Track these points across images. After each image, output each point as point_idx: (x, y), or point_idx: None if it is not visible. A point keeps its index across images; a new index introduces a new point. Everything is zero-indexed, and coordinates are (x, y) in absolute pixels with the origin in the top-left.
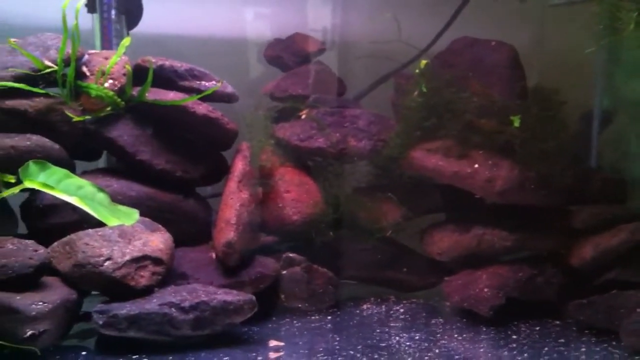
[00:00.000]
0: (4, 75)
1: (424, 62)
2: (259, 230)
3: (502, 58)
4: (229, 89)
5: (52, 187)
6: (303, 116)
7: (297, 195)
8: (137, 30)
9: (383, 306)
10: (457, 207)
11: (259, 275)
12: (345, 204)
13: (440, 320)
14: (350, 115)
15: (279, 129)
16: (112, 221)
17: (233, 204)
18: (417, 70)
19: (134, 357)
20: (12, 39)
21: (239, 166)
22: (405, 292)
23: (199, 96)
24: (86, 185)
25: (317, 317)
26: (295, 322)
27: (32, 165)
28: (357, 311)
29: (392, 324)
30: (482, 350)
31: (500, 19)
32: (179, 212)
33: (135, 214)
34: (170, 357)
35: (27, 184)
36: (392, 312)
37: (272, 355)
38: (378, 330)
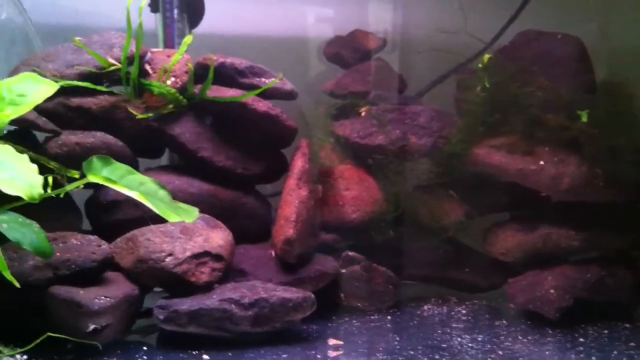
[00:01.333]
0: (69, 74)
1: (487, 56)
2: (319, 228)
3: (569, 51)
4: (288, 86)
5: (114, 182)
6: (363, 113)
7: (356, 193)
8: (199, 30)
9: (444, 307)
10: (522, 205)
11: (318, 274)
12: (406, 202)
13: (504, 322)
14: (411, 112)
15: (338, 127)
16: (172, 217)
17: (292, 201)
18: (479, 65)
19: (194, 352)
20: (77, 38)
21: (298, 163)
22: (468, 293)
23: (257, 92)
24: (148, 182)
25: (376, 316)
26: (354, 321)
27: (95, 161)
28: (418, 311)
29: (453, 325)
30: (547, 353)
31: (566, 11)
32: (239, 209)
33: (195, 211)
34: (230, 354)
35: (90, 178)
36: (453, 313)
37: (332, 353)
38: (439, 331)
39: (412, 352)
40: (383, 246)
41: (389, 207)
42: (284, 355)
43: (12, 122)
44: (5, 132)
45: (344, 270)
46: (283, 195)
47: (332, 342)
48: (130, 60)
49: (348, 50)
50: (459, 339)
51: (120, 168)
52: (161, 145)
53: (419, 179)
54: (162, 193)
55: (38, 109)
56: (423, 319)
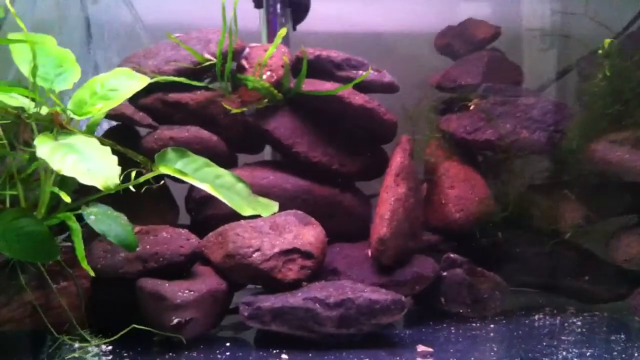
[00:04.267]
0: (167, 70)
1: (607, 40)
2: (422, 228)
3: None
4: (387, 78)
5: (185, 174)
6: (472, 107)
7: (460, 192)
8: (306, 27)
9: (558, 317)
10: None
11: (415, 276)
12: (517, 202)
13: (622, 336)
14: (523, 105)
15: (444, 121)
16: (246, 211)
17: (388, 198)
18: (599, 51)
19: (274, 351)
20: (177, 34)
21: (397, 160)
22: (588, 304)
23: (351, 85)
24: (225, 175)
25: (478, 324)
26: (452, 328)
27: (170, 152)
28: (526, 321)
29: (563, 338)
30: None
31: None
32: (336, 207)
33: (274, 206)
34: (310, 354)
35: (162, 170)
36: (566, 324)
37: None
38: (544, 343)
39: None
40: (491, 249)
41: (497, 207)
42: None
43: (113, 118)
44: (107, 127)
45: (445, 274)
46: (380, 192)
47: (420, 348)
48: (226, 55)
49: (459, 41)
50: (564, 352)
51: (197, 160)
52: (258, 141)
53: (532, 178)
54: (240, 186)
55: (138, 104)
56: (530, 330)
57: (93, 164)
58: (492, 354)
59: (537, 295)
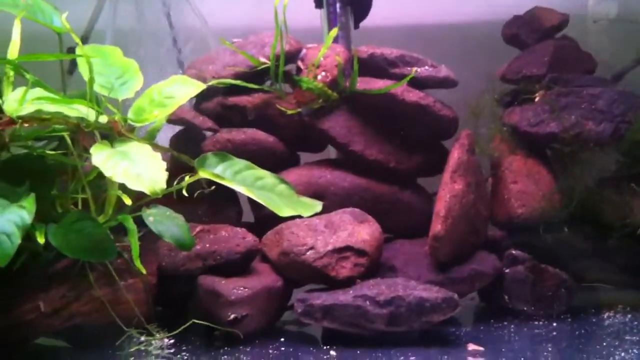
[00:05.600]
0: (225, 74)
1: None
2: (486, 224)
3: None
4: (442, 73)
5: (222, 177)
6: (537, 99)
7: (523, 187)
8: (369, 23)
9: (628, 315)
10: None
11: (473, 273)
12: (584, 197)
13: None
14: (589, 95)
15: (508, 114)
16: (284, 211)
17: (443, 195)
18: None
19: (324, 347)
20: (235, 39)
21: (454, 156)
22: None
23: (400, 83)
24: (267, 176)
25: (541, 322)
26: (512, 326)
27: (210, 157)
28: (594, 319)
29: (627, 337)
30: None
31: None
32: (395, 204)
33: (316, 206)
34: (358, 352)
35: (201, 174)
36: (636, 323)
37: None
38: (604, 343)
39: None
40: (559, 245)
41: (563, 201)
42: (412, 358)
43: (174, 122)
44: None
45: (507, 271)
46: (439, 189)
47: (471, 347)
48: (286, 57)
49: (526, 30)
50: (622, 353)
51: (238, 164)
52: (317, 140)
53: (601, 171)
54: (282, 187)
55: (201, 108)
56: (595, 329)
57: (142, 170)
58: (545, 353)
59: (614, 291)
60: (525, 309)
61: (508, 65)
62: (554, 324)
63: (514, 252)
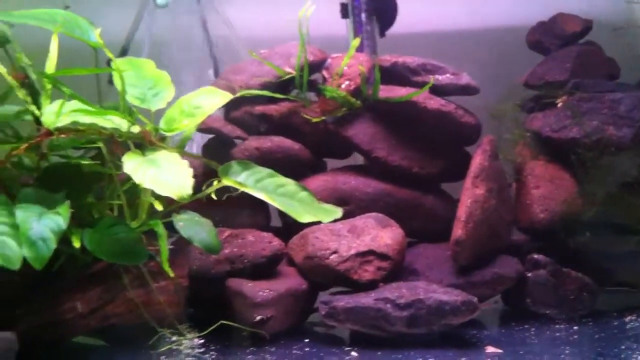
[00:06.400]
0: (252, 84)
1: None
2: (508, 228)
3: None
4: (464, 80)
5: (244, 185)
6: (560, 104)
7: (545, 192)
8: (397, 29)
9: None
10: None
11: (494, 277)
12: (606, 201)
13: None
14: (610, 100)
15: (530, 120)
16: (304, 218)
17: (465, 200)
18: None
19: (345, 349)
20: (262, 50)
21: (476, 161)
22: None
23: (421, 91)
24: (289, 184)
25: (563, 326)
26: (533, 329)
27: (234, 165)
28: (616, 323)
29: None
30: None
31: None
32: (418, 209)
33: (336, 212)
34: (379, 353)
35: (225, 182)
36: None
37: None
38: (622, 346)
39: None
40: (581, 249)
41: (584, 206)
42: (431, 359)
43: (204, 131)
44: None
45: (529, 274)
46: (461, 194)
47: (489, 349)
48: (311, 67)
49: (549, 37)
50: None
51: (261, 172)
52: (342, 147)
53: (623, 175)
54: (303, 194)
55: (230, 117)
56: (617, 332)
57: (169, 176)
58: (562, 356)
59: (637, 295)
60: (547, 312)
61: (531, 72)
62: (575, 327)
63: (535, 256)
